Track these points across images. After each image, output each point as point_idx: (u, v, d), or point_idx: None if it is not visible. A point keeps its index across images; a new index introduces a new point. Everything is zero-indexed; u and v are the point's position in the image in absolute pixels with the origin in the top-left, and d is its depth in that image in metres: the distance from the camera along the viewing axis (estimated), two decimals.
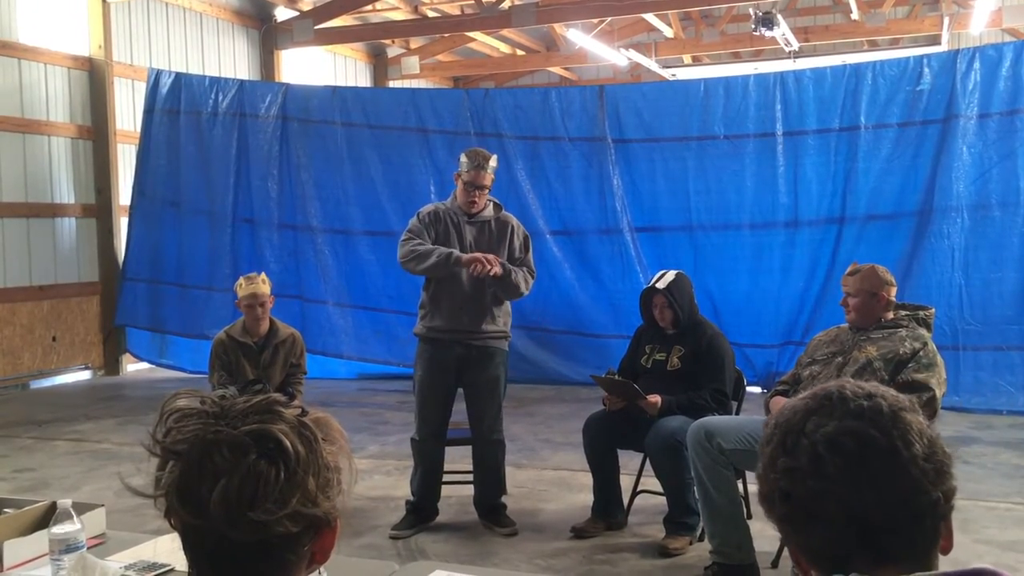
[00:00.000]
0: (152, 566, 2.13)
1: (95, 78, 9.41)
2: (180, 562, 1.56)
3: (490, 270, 4.22)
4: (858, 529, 1.02)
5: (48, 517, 2.20)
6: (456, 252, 4.32)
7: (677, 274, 4.47)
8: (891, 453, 1.03)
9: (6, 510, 2.48)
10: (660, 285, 4.38)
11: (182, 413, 1.04)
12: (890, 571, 1.02)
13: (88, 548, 2.13)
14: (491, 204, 4.54)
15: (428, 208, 4.58)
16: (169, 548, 2.15)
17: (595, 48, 12.05)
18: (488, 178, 4.41)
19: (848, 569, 1.03)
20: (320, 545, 1.07)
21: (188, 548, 1.05)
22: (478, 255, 4.26)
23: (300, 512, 1.01)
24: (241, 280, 4.98)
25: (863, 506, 1.02)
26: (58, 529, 2.08)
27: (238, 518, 0.98)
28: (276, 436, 1.01)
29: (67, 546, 2.06)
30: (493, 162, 4.45)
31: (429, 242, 4.39)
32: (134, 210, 9.35)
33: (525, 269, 4.49)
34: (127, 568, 2.10)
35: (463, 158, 4.44)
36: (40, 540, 2.20)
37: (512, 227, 4.53)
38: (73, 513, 2.11)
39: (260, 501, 0.98)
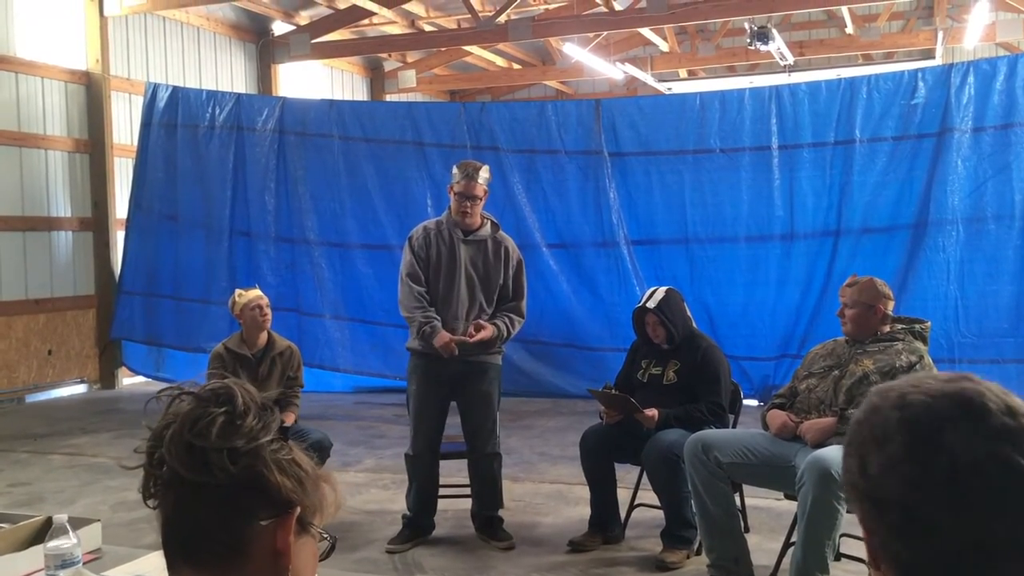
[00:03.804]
0: None
1: (92, 92, 9.42)
2: None
3: (470, 338, 4.31)
4: (977, 557, 0.95)
5: (44, 532, 2.19)
6: (435, 328, 4.31)
7: (667, 291, 4.46)
8: None
9: (1, 525, 2.47)
10: (650, 304, 4.38)
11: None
12: None
13: (84, 563, 2.12)
14: (488, 222, 4.51)
15: (419, 231, 4.52)
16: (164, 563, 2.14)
17: (591, 62, 12.09)
18: (480, 188, 4.38)
19: None
20: (282, 532, 1.09)
21: (162, 530, 1.10)
22: (448, 342, 4.28)
23: (237, 450, 1.05)
24: (238, 291, 4.98)
25: (993, 539, 0.94)
26: (54, 544, 2.07)
27: (180, 441, 1.05)
28: (231, 391, 1.10)
29: (63, 561, 2.05)
30: (485, 172, 4.42)
31: (423, 275, 4.41)
32: (131, 223, 9.34)
33: (507, 318, 4.45)
34: None
35: (455, 170, 4.45)
36: (35, 555, 2.18)
37: (508, 250, 4.49)
38: (69, 528, 2.10)
39: (204, 429, 1.06)
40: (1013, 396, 1.00)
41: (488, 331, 4.36)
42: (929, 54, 12.00)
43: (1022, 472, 0.95)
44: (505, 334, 4.46)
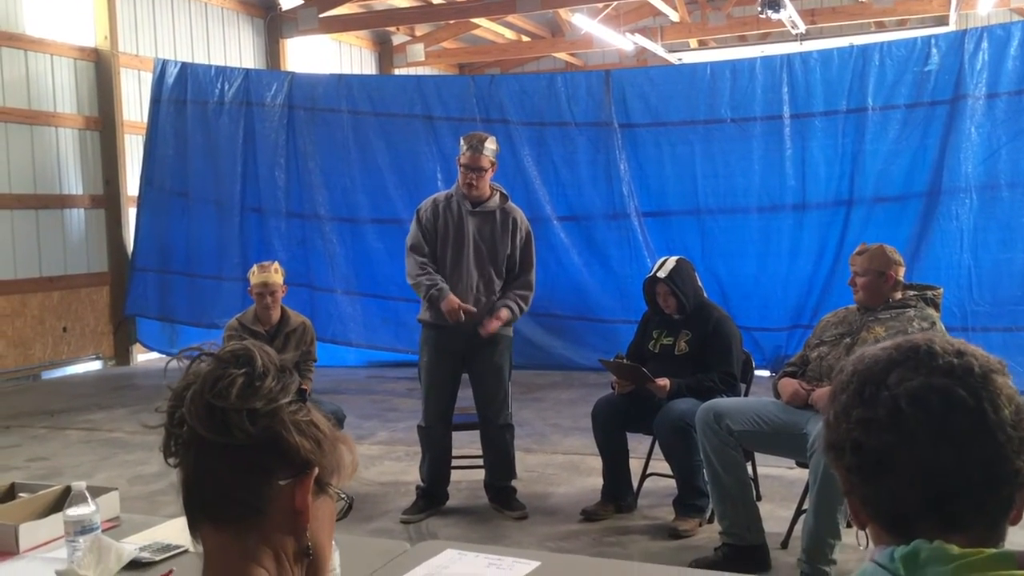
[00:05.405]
0: (166, 547, 2.16)
1: (101, 69, 9.42)
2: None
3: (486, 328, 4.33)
4: (931, 490, 0.98)
5: (63, 500, 2.23)
6: (442, 291, 4.32)
7: (678, 260, 4.45)
8: (978, 415, 0.97)
9: (21, 494, 2.51)
10: (661, 274, 4.38)
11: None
12: (956, 539, 0.97)
13: (103, 531, 2.15)
14: (497, 194, 4.50)
15: (427, 204, 4.53)
16: (183, 530, 2.17)
17: (601, 33, 12.00)
18: (485, 160, 4.35)
19: (912, 533, 0.99)
20: (300, 492, 1.10)
21: (182, 489, 1.12)
22: (455, 308, 4.28)
23: (256, 411, 1.07)
24: (255, 268, 4.98)
25: (940, 466, 0.97)
26: (73, 511, 2.10)
27: (200, 402, 1.07)
28: (251, 352, 1.11)
29: (82, 528, 2.08)
30: (491, 144, 4.39)
31: (428, 247, 4.42)
32: (142, 200, 9.38)
33: (518, 298, 4.45)
34: (141, 549, 2.13)
35: (461, 142, 4.43)
36: (55, 522, 2.22)
37: (516, 221, 4.48)
38: (88, 495, 2.14)
39: (224, 390, 1.07)
40: (970, 345, 1.04)
41: (502, 318, 4.38)
42: (942, 20, 11.84)
43: (963, 401, 0.98)
44: (517, 313, 4.47)
